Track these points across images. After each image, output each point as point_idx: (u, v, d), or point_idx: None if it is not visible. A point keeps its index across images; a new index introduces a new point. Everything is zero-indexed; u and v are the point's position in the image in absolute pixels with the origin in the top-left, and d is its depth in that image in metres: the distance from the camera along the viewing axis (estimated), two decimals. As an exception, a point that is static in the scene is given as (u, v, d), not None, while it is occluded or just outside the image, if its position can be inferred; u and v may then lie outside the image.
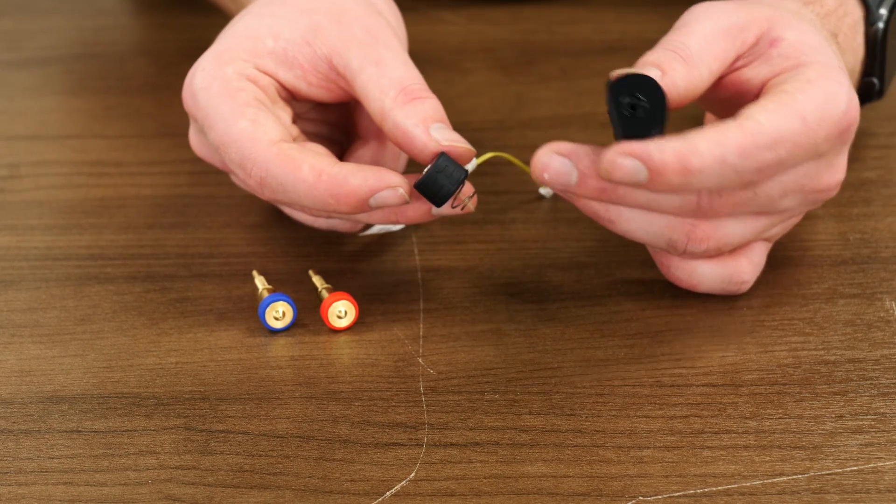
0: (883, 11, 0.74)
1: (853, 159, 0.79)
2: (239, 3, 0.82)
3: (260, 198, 0.70)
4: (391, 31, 0.70)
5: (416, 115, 0.66)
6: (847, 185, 0.78)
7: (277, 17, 0.70)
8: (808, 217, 0.75)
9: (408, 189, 0.66)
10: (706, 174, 0.61)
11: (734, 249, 0.68)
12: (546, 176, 0.63)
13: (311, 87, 0.70)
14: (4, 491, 0.61)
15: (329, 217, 0.72)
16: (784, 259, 0.72)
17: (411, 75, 0.68)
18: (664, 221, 0.65)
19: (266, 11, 0.71)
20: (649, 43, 0.71)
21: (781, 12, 0.68)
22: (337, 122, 0.75)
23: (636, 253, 0.72)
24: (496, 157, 0.70)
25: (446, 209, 0.67)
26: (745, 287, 0.69)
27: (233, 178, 0.71)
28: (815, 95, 0.63)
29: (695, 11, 0.67)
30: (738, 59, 0.66)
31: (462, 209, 0.67)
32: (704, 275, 0.68)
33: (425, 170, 0.66)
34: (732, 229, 0.66)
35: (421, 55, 0.91)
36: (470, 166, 0.67)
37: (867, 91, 0.76)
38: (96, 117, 0.87)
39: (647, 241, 0.66)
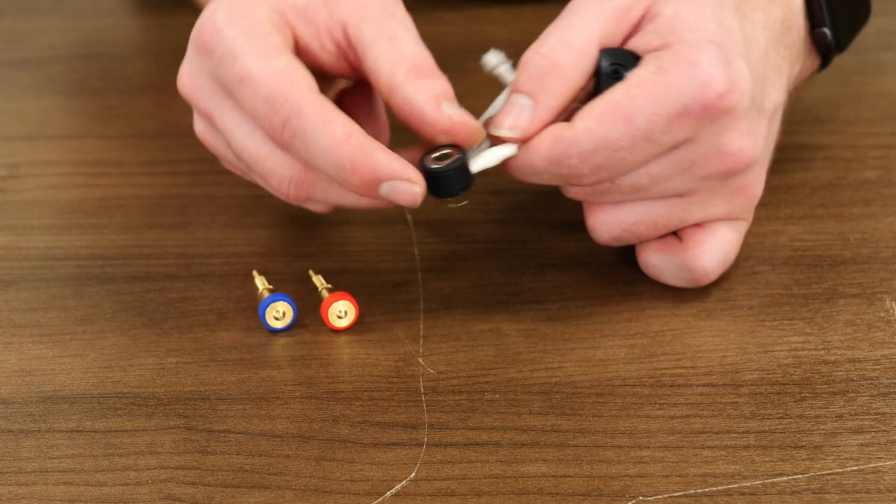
0: None
1: (853, 159, 0.79)
2: None
3: (248, 171, 0.68)
4: (405, 10, 0.69)
5: (427, 90, 0.65)
6: (847, 185, 0.78)
7: None
8: (808, 217, 0.75)
9: (423, 191, 0.65)
10: (525, 174, 0.66)
11: (685, 238, 0.69)
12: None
13: (323, 51, 0.68)
14: (4, 491, 0.61)
15: (308, 195, 0.69)
16: (784, 259, 0.72)
17: (424, 54, 0.67)
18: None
19: None
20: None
21: None
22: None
23: (635, 253, 0.71)
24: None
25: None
26: (709, 275, 0.69)
27: (243, 120, 0.68)
28: (653, 90, 0.64)
29: None
30: (624, 40, 0.67)
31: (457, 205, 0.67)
32: (657, 266, 0.69)
33: (437, 164, 0.65)
34: (626, 214, 0.68)
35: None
36: (504, 153, 0.66)
37: (822, 42, 0.74)
38: (96, 117, 0.87)
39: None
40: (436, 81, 0.66)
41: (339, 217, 0.77)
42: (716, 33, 0.65)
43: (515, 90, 0.66)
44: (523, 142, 0.65)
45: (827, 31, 0.73)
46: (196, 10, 0.86)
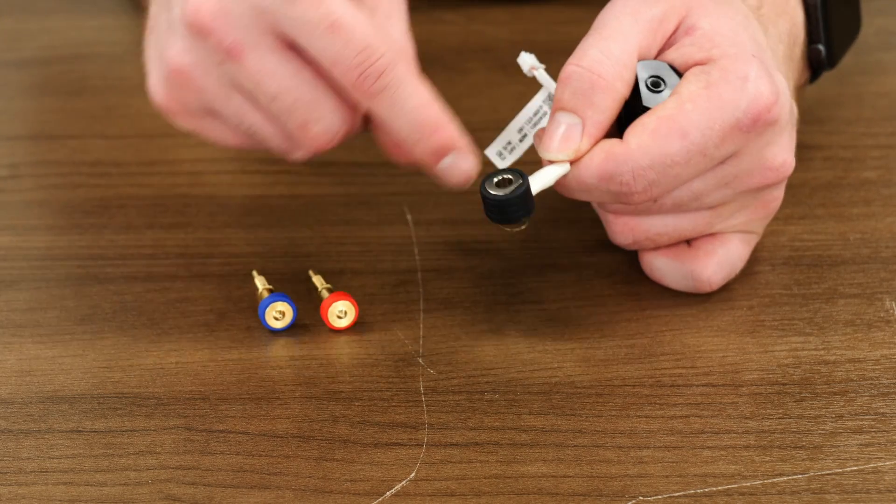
0: None
1: (853, 160, 0.79)
2: None
3: (314, 94, 0.65)
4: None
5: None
6: (847, 185, 0.78)
7: None
8: (808, 217, 0.75)
9: (475, 162, 0.65)
10: (574, 191, 0.65)
11: (695, 246, 0.68)
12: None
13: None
14: (4, 491, 0.61)
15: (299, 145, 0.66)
16: (784, 259, 0.72)
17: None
18: (598, 210, 0.69)
19: None
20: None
21: None
22: None
23: (636, 253, 0.71)
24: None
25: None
26: (713, 285, 0.69)
27: (209, 127, 0.66)
28: (706, 104, 0.63)
29: (614, 8, 0.66)
30: (660, 51, 0.67)
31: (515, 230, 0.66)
32: (661, 270, 0.69)
33: (498, 190, 0.64)
34: (652, 224, 0.67)
35: (421, 55, 0.91)
36: (558, 171, 0.65)
37: (815, 58, 0.75)
38: (96, 117, 0.87)
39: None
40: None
41: (339, 217, 0.77)
42: (754, 48, 0.66)
43: (560, 108, 0.65)
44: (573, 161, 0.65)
45: (821, 47, 0.74)
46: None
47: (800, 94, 0.76)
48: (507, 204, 0.63)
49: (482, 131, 0.80)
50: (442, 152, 0.64)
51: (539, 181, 0.64)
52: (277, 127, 0.65)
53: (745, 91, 0.64)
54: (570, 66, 0.65)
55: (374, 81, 0.63)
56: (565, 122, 0.64)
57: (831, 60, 0.75)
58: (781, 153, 0.66)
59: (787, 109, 0.65)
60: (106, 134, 0.85)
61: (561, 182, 0.65)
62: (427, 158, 0.64)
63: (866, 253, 0.73)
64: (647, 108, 0.64)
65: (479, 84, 0.89)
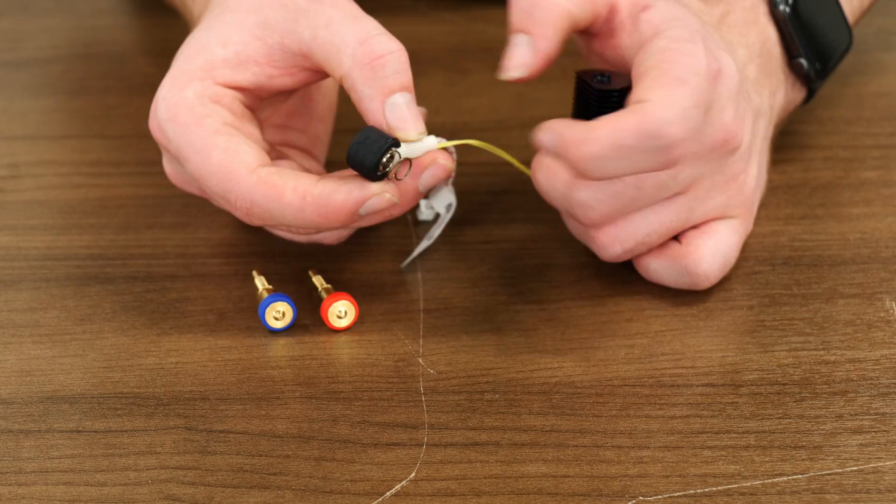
0: None
1: (853, 160, 0.79)
2: (189, 9, 0.80)
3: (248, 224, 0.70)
4: None
5: (373, 83, 0.65)
6: (847, 185, 0.78)
7: (226, 24, 0.68)
8: (808, 217, 0.75)
9: (394, 191, 0.65)
10: (613, 161, 0.64)
11: (682, 241, 0.69)
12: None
13: (274, 79, 0.68)
14: (4, 491, 0.61)
15: (316, 233, 0.71)
16: (784, 259, 0.72)
17: (367, 28, 0.66)
18: (579, 231, 0.70)
19: (216, 22, 0.69)
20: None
21: None
22: (299, 117, 0.74)
23: (636, 253, 0.72)
24: (485, 147, 0.69)
25: (413, 196, 0.67)
26: (710, 278, 0.69)
27: (215, 203, 0.70)
28: (681, 54, 0.65)
29: None
30: (597, 20, 0.69)
31: (396, 178, 0.66)
32: (657, 272, 0.69)
33: (372, 139, 0.65)
34: (638, 226, 0.68)
35: (421, 55, 0.91)
36: (426, 145, 0.65)
37: (799, 72, 0.75)
38: (96, 117, 0.87)
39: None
40: (384, 67, 0.65)
41: (339, 217, 0.77)
42: (699, 29, 0.67)
43: (511, 31, 0.67)
44: None
45: (803, 61, 0.74)
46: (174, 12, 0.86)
47: (793, 110, 0.76)
48: (349, 156, 0.65)
49: (482, 131, 0.80)
50: (348, 220, 0.66)
51: (409, 149, 0.65)
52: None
53: (699, 48, 0.66)
54: None
55: (249, 219, 0.67)
56: (516, 42, 0.67)
57: (821, 73, 0.75)
58: (731, 116, 0.67)
59: (735, 81, 0.67)
60: (106, 134, 0.85)
61: (590, 150, 0.64)
62: (344, 228, 0.68)
63: (866, 253, 0.73)
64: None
65: (479, 84, 0.89)
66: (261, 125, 0.71)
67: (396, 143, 0.64)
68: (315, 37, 0.66)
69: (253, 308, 0.70)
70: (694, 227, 0.69)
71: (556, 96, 0.87)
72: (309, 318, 0.70)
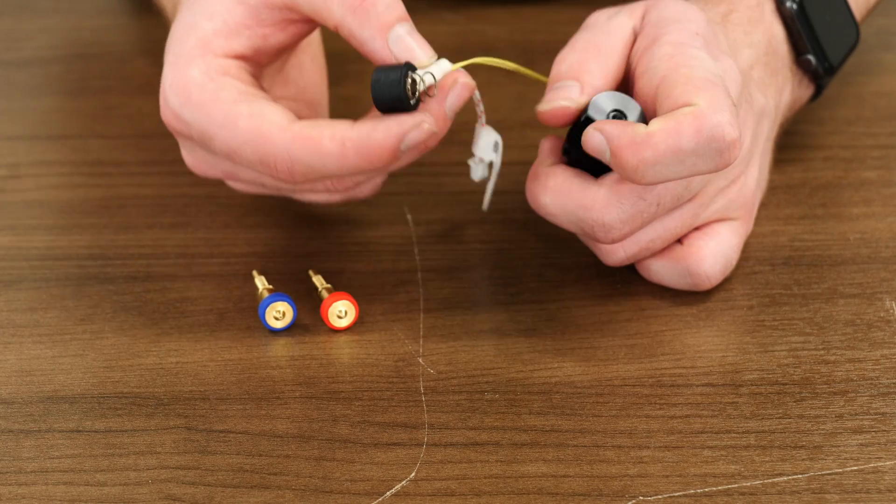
0: None
1: (853, 160, 0.79)
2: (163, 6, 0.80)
3: (282, 193, 0.69)
4: None
5: (369, 24, 0.64)
6: (847, 185, 0.78)
7: (205, 1, 0.68)
8: (808, 217, 0.75)
9: (431, 120, 0.64)
10: (667, 167, 0.63)
11: (686, 243, 0.69)
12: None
13: (268, 38, 0.67)
14: (4, 491, 0.61)
15: (355, 187, 0.69)
16: (784, 259, 0.72)
17: None
18: (584, 237, 0.70)
19: (193, 3, 0.68)
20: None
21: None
22: (293, 85, 0.73)
23: (636, 253, 0.72)
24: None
25: (434, 110, 0.65)
26: (711, 279, 0.69)
27: (233, 184, 0.70)
28: (695, 57, 0.66)
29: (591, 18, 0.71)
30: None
31: (427, 96, 0.64)
32: (659, 273, 0.69)
33: (391, 75, 0.63)
34: (644, 233, 0.68)
35: (421, 55, 0.91)
36: (441, 67, 0.65)
37: (807, 69, 0.75)
38: (96, 117, 0.87)
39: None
40: (374, 6, 0.64)
41: (339, 217, 0.77)
42: (701, 30, 0.67)
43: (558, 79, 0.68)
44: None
45: (811, 57, 0.74)
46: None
47: (801, 107, 0.76)
48: (373, 85, 0.63)
49: (482, 131, 0.80)
50: (391, 160, 0.64)
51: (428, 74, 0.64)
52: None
53: (702, 52, 0.66)
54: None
55: (292, 181, 0.66)
56: (564, 86, 0.68)
57: (829, 69, 0.75)
58: (730, 119, 0.66)
59: (736, 87, 0.67)
60: (106, 134, 0.85)
61: (647, 156, 0.63)
62: (389, 169, 0.67)
63: (866, 253, 0.73)
64: None
65: (479, 84, 0.88)
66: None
67: (412, 67, 0.63)
68: None
69: (253, 308, 0.70)
70: (695, 228, 0.69)
71: (556, 96, 0.87)
72: (309, 318, 0.69)
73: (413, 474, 0.61)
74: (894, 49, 0.91)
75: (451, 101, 0.65)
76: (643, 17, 0.69)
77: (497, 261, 0.73)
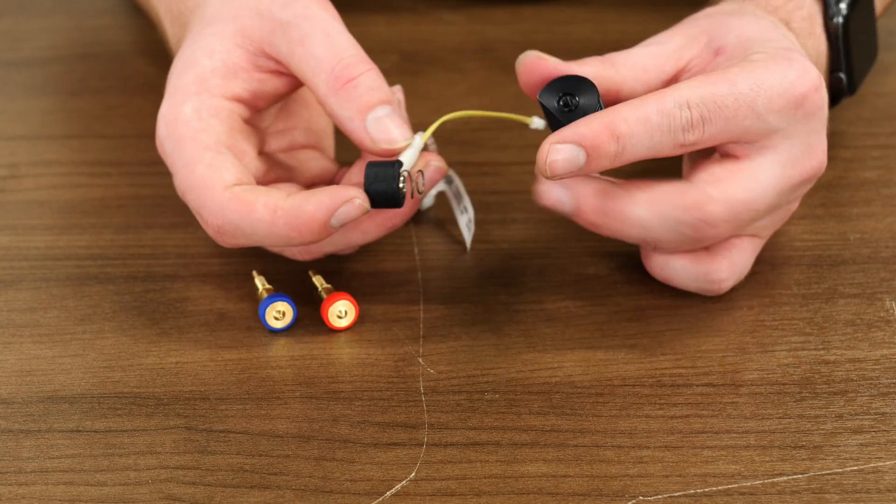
0: (843, 6, 0.73)
1: (853, 159, 0.79)
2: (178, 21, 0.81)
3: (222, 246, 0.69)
4: (314, 1, 0.68)
5: (350, 105, 0.65)
6: (847, 185, 0.78)
7: (207, 35, 0.69)
8: (808, 217, 0.75)
9: (364, 196, 0.64)
10: (636, 135, 0.63)
11: (711, 248, 0.68)
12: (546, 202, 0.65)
13: (265, 84, 0.69)
14: (4, 491, 0.61)
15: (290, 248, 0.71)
16: (784, 259, 0.72)
17: (338, 49, 0.66)
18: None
19: (198, 36, 0.70)
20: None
21: (718, 17, 0.68)
22: (297, 116, 0.74)
23: (636, 253, 0.71)
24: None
25: (416, 202, 0.67)
26: (723, 287, 0.68)
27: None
28: (752, 69, 0.64)
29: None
30: (680, 72, 0.67)
31: (418, 193, 0.66)
32: (677, 270, 0.68)
33: (379, 170, 0.65)
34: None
35: (421, 55, 0.91)
36: (409, 154, 0.66)
37: (836, 86, 0.75)
38: (96, 117, 0.87)
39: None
40: (356, 87, 0.66)
41: (339, 217, 0.76)
42: (788, 43, 0.66)
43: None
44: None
45: (842, 75, 0.74)
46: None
47: None
48: (371, 195, 0.65)
49: (482, 131, 0.80)
50: (321, 232, 0.65)
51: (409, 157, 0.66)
52: None
53: (791, 67, 0.64)
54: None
55: (220, 237, 0.67)
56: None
57: (851, 88, 0.75)
58: (820, 154, 0.67)
59: (826, 104, 0.66)
60: (106, 134, 0.85)
61: (612, 129, 0.63)
62: (318, 241, 0.66)
63: (866, 253, 0.73)
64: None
65: (479, 84, 0.89)
66: (264, 137, 0.71)
67: (401, 164, 0.65)
68: (291, 53, 0.67)
69: (253, 308, 0.70)
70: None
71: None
72: (309, 318, 0.70)
73: (413, 474, 0.61)
74: (894, 49, 0.91)
75: (422, 183, 0.67)
76: (706, 42, 0.68)
77: (497, 261, 0.73)
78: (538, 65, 0.66)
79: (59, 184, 0.81)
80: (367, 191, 0.64)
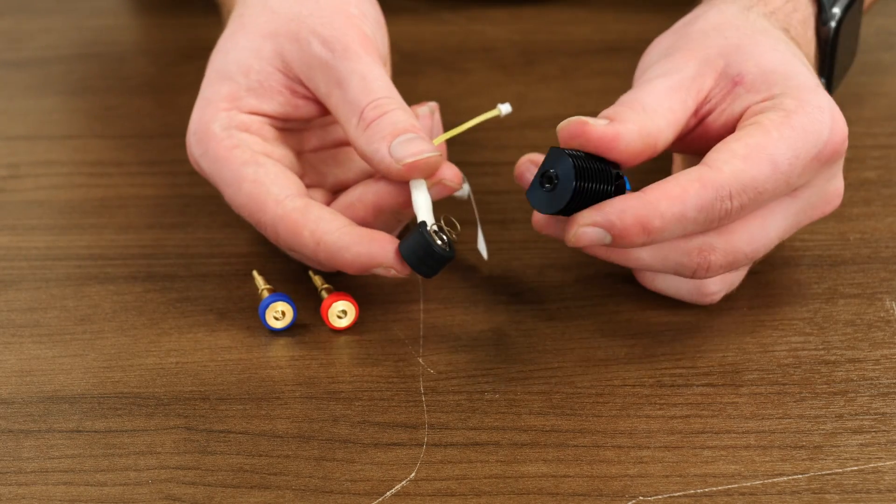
0: (836, 10, 0.73)
1: (853, 159, 0.79)
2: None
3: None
4: (353, 32, 0.68)
5: (376, 138, 0.66)
6: (847, 185, 0.77)
7: (242, 49, 0.69)
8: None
9: (400, 267, 0.65)
10: (668, 230, 0.62)
11: None
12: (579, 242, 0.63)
13: (299, 108, 0.70)
14: (4, 491, 0.61)
15: None
16: (784, 259, 0.72)
17: (371, 92, 0.67)
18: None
19: (230, 45, 0.70)
20: (649, 43, 0.71)
21: (733, 39, 0.67)
22: None
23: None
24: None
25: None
26: (715, 298, 0.68)
27: None
28: (790, 133, 0.63)
29: (646, 69, 0.67)
30: (700, 105, 0.66)
31: (454, 237, 0.67)
32: (668, 283, 0.69)
33: (411, 242, 0.65)
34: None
35: (421, 55, 0.91)
36: (423, 205, 0.66)
37: None
38: (96, 117, 0.87)
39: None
40: (382, 121, 0.66)
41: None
42: (810, 76, 0.66)
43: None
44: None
45: (823, 80, 0.74)
46: (214, 9, 0.85)
47: None
48: (410, 260, 0.66)
49: (482, 131, 0.80)
50: (357, 273, 0.67)
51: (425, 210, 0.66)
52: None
53: (825, 122, 0.64)
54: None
55: (277, 242, 0.69)
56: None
57: (828, 91, 0.75)
58: (840, 186, 0.67)
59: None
60: (106, 134, 0.85)
61: (654, 222, 0.61)
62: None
63: (866, 253, 0.73)
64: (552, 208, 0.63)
65: (479, 84, 0.89)
66: (302, 136, 0.72)
67: (424, 224, 0.65)
68: (329, 94, 0.68)
69: (253, 308, 0.70)
70: None
71: (555, 96, 0.87)
72: (309, 318, 0.70)
73: (413, 474, 0.61)
74: (894, 49, 0.91)
75: (456, 230, 0.67)
76: (724, 67, 0.66)
77: (497, 261, 0.73)
78: (582, 130, 0.63)
79: (59, 184, 0.81)
80: (408, 262, 0.65)
